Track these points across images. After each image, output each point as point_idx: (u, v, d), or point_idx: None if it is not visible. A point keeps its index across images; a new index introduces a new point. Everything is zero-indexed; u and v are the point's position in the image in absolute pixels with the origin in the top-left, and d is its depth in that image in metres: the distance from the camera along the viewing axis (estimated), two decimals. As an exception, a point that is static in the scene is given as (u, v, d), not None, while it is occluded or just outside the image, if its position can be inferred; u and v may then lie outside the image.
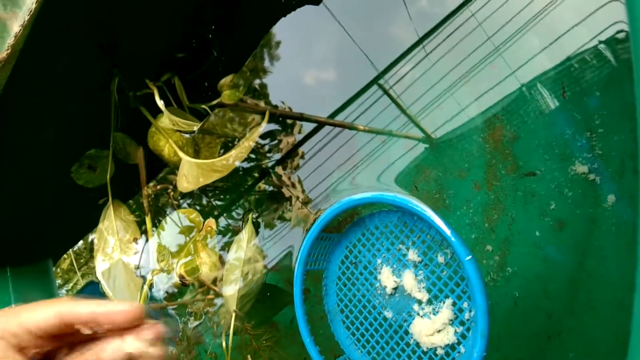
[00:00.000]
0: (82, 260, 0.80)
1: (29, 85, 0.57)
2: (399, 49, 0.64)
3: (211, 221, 0.68)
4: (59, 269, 0.78)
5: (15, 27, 0.48)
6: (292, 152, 0.69)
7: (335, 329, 0.51)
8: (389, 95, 0.64)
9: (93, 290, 0.79)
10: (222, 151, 0.70)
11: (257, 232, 0.67)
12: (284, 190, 0.68)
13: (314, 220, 0.49)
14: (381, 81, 0.65)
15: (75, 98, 0.64)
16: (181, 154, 0.64)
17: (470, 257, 0.40)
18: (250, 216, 0.67)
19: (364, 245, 0.49)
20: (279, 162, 0.69)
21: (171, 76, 0.68)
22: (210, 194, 0.73)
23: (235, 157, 0.64)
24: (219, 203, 0.73)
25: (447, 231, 0.41)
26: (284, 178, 0.68)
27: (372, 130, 0.65)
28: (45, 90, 0.60)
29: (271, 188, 0.69)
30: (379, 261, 0.48)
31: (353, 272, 0.50)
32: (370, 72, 0.65)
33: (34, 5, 0.48)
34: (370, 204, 0.45)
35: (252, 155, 0.69)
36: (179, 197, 0.74)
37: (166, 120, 0.65)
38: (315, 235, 0.48)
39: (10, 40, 0.48)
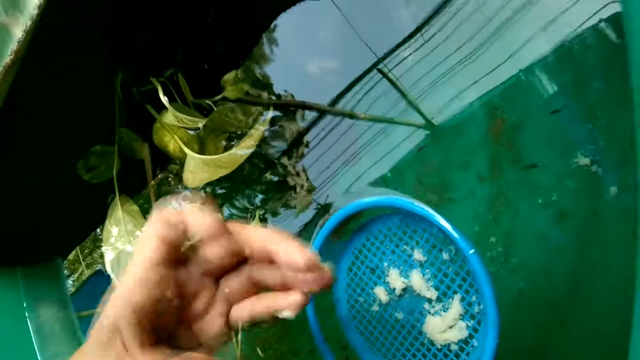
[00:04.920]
0: (86, 251, 0.81)
1: (34, 86, 0.57)
2: (399, 35, 0.64)
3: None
4: (64, 261, 0.79)
5: (18, 32, 0.48)
6: (297, 141, 0.69)
7: (350, 335, 0.51)
8: (391, 82, 0.65)
9: (99, 280, 0.80)
10: (227, 141, 0.70)
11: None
12: (289, 179, 0.69)
13: (319, 229, 0.49)
14: (383, 68, 0.65)
15: (80, 95, 0.64)
16: (186, 150, 0.65)
17: (473, 250, 0.40)
18: (257, 213, 0.68)
19: (369, 249, 0.50)
20: (284, 152, 0.70)
21: (175, 71, 0.69)
22: (213, 183, 0.74)
23: (241, 149, 0.64)
24: (222, 192, 0.73)
25: (449, 227, 0.41)
26: (289, 167, 0.69)
27: (374, 118, 0.65)
28: (49, 90, 0.60)
29: (276, 178, 0.69)
30: (386, 264, 0.49)
31: (362, 278, 0.50)
32: (371, 58, 0.65)
33: (35, 12, 0.47)
34: (371, 208, 0.46)
35: (256, 144, 0.69)
36: (179, 186, 0.75)
37: (170, 116, 0.65)
38: (320, 244, 0.48)
39: (13, 46, 0.48)
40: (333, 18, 0.68)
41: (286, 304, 0.32)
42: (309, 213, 0.69)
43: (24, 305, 0.69)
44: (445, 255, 0.46)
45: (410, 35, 0.64)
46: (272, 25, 0.71)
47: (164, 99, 0.64)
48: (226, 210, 0.72)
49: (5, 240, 0.67)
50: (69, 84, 0.62)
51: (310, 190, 0.68)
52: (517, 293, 0.56)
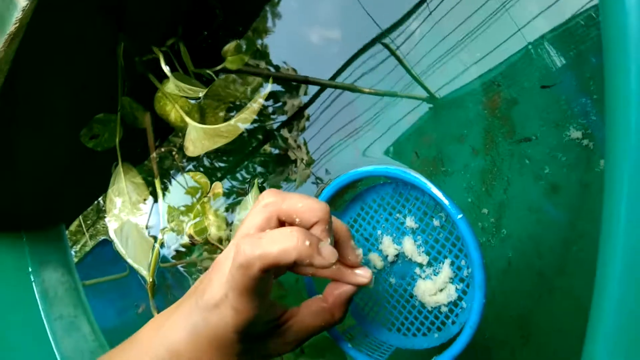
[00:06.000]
0: (89, 222, 0.83)
1: (37, 54, 0.58)
2: (404, 6, 0.65)
3: (218, 185, 0.70)
4: (67, 231, 0.81)
5: (23, 1, 0.49)
6: (298, 114, 0.70)
7: None
8: (394, 54, 0.65)
9: (103, 250, 0.81)
10: (228, 111, 0.72)
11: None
12: (290, 152, 0.70)
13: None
14: (389, 42, 0.65)
15: (83, 64, 0.65)
16: (187, 119, 0.66)
17: (461, 215, 0.42)
18: (256, 181, 0.70)
19: (364, 218, 0.52)
20: (284, 125, 0.71)
21: (176, 41, 0.69)
22: (213, 157, 0.75)
23: (240, 121, 0.66)
24: (223, 165, 0.75)
25: (439, 194, 0.43)
26: (290, 141, 0.70)
27: (377, 93, 0.66)
28: (53, 57, 0.61)
29: (277, 151, 0.71)
30: (379, 232, 0.51)
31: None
32: (374, 30, 0.66)
33: (40, -22, 0.48)
34: (366, 177, 0.47)
35: (257, 117, 0.71)
36: (184, 160, 0.76)
37: (172, 86, 0.66)
38: None
39: (18, 14, 0.49)
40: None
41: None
42: (308, 186, 0.70)
43: (29, 269, 0.71)
44: (435, 222, 0.48)
45: (417, 6, 0.64)
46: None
47: (166, 69, 0.66)
48: (227, 183, 0.73)
49: (10, 205, 0.69)
50: (73, 53, 0.63)
51: (310, 163, 0.69)
52: (507, 262, 0.57)
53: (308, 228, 0.35)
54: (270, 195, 0.37)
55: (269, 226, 0.36)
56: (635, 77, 0.29)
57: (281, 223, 0.37)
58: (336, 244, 0.39)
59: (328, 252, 0.34)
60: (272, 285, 0.38)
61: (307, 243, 0.33)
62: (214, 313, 0.35)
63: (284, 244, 0.32)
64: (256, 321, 0.36)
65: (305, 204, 0.35)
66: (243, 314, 0.34)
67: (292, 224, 0.36)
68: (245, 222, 0.36)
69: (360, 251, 0.41)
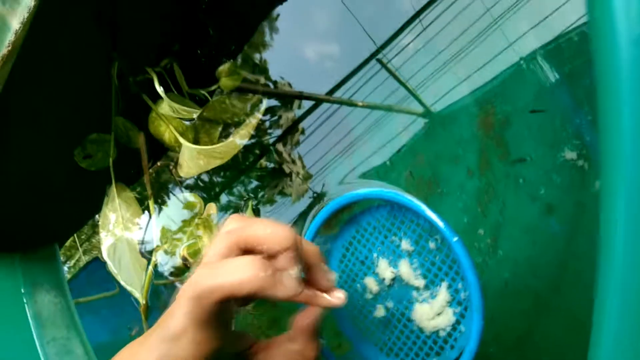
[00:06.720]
0: (83, 237, 0.82)
1: (30, 76, 0.58)
2: (398, 23, 0.65)
3: (211, 206, 0.70)
4: (62, 247, 0.80)
5: (15, 23, 0.49)
6: (292, 128, 0.70)
7: (342, 325, 0.53)
8: (390, 72, 0.65)
9: (96, 267, 0.81)
10: (222, 131, 0.71)
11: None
12: (285, 166, 0.70)
13: (310, 221, 0.51)
14: (382, 57, 0.65)
15: (77, 84, 0.65)
16: (182, 140, 0.66)
17: (457, 238, 0.42)
18: (250, 203, 0.69)
19: (359, 241, 0.51)
20: (279, 139, 0.70)
21: (170, 61, 0.69)
22: (211, 172, 0.75)
23: (238, 137, 0.65)
24: (220, 180, 0.74)
25: (434, 217, 0.43)
26: (285, 155, 0.70)
27: (371, 106, 0.66)
28: (46, 78, 0.61)
29: (272, 165, 0.70)
30: (375, 255, 0.50)
31: (352, 269, 0.52)
32: (371, 45, 0.66)
33: (32, 3, 0.48)
34: (361, 200, 0.47)
35: (253, 132, 0.70)
36: (181, 175, 0.76)
37: (166, 107, 0.66)
38: (312, 237, 0.50)
39: (10, 37, 0.49)
40: (333, 3, 0.68)
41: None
42: (304, 202, 0.70)
43: (22, 291, 0.70)
44: (431, 245, 0.47)
45: (409, 22, 0.64)
46: (274, 14, 0.71)
47: (160, 89, 0.65)
48: (224, 198, 0.73)
49: (3, 226, 0.68)
50: (67, 73, 0.62)
51: (307, 178, 0.69)
52: (504, 283, 0.57)
53: (274, 255, 0.34)
54: (233, 222, 0.35)
55: (231, 254, 0.34)
56: (629, 104, 0.29)
57: (247, 250, 0.35)
58: (307, 267, 0.38)
59: (290, 282, 0.33)
60: (243, 311, 0.38)
61: (266, 274, 0.32)
62: (177, 345, 0.34)
63: (239, 275, 0.31)
64: (221, 352, 0.35)
65: (270, 232, 0.34)
66: (204, 345, 0.33)
67: (258, 251, 0.34)
68: (209, 249, 0.35)
69: (333, 274, 0.40)
